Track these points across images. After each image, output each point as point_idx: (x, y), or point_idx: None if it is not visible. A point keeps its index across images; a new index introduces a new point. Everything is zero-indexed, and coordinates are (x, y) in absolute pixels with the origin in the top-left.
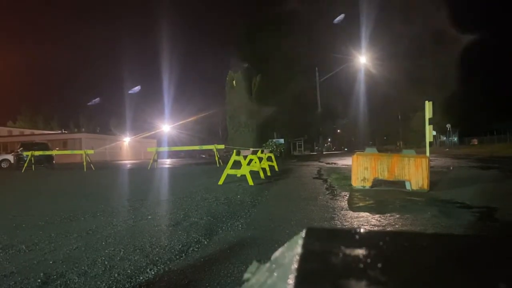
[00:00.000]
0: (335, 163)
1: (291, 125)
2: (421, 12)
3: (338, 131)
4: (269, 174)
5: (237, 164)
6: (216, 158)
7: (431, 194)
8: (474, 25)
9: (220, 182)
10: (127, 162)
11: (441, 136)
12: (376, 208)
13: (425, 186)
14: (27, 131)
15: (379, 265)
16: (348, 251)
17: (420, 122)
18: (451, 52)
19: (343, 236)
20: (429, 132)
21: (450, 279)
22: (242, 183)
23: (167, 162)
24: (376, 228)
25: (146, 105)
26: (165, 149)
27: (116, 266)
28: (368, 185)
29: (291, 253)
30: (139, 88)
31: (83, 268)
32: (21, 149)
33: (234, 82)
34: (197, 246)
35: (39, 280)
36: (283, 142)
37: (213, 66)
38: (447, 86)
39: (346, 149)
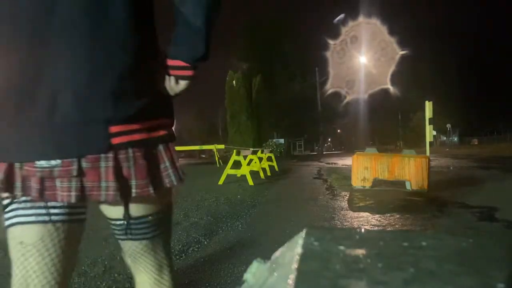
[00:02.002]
0: (335, 163)
1: (291, 125)
2: (421, 10)
3: (338, 131)
4: (269, 174)
5: (237, 164)
6: (216, 158)
7: (432, 194)
8: (474, 24)
9: (220, 182)
10: None
11: (441, 136)
12: (376, 208)
13: (425, 186)
14: None
15: (379, 265)
16: (348, 251)
17: (420, 122)
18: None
19: (343, 236)
20: (429, 132)
21: (450, 279)
22: (242, 183)
23: None
24: (376, 228)
25: None
26: None
27: (116, 266)
28: (368, 185)
29: (291, 253)
30: None
31: (83, 268)
32: None
33: (234, 82)
34: (197, 246)
35: None
36: (283, 142)
37: (213, 66)
38: (448, 86)
39: (346, 149)
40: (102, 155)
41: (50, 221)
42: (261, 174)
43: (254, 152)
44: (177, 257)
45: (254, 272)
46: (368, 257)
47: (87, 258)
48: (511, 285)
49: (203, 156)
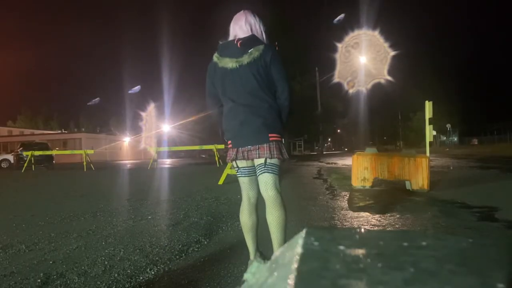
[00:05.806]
0: (335, 163)
1: (291, 125)
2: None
3: (338, 131)
4: None
5: None
6: (216, 158)
7: (432, 194)
8: (475, 24)
9: (220, 182)
10: (127, 162)
11: (441, 136)
12: (376, 208)
13: (426, 186)
14: (27, 131)
15: (379, 265)
16: (348, 251)
17: (420, 122)
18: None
19: (343, 236)
20: (429, 132)
21: (450, 279)
22: None
23: (167, 162)
24: (376, 228)
25: (146, 104)
26: (165, 149)
27: (116, 266)
28: (368, 185)
29: (291, 253)
30: (139, 88)
31: (83, 268)
32: (21, 149)
33: None
34: (197, 246)
35: (39, 280)
36: (283, 142)
37: None
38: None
39: (346, 149)
40: (266, 143)
41: (248, 175)
42: None
43: None
44: (177, 257)
45: (254, 272)
46: (368, 257)
47: (87, 258)
48: (511, 285)
49: (203, 156)
